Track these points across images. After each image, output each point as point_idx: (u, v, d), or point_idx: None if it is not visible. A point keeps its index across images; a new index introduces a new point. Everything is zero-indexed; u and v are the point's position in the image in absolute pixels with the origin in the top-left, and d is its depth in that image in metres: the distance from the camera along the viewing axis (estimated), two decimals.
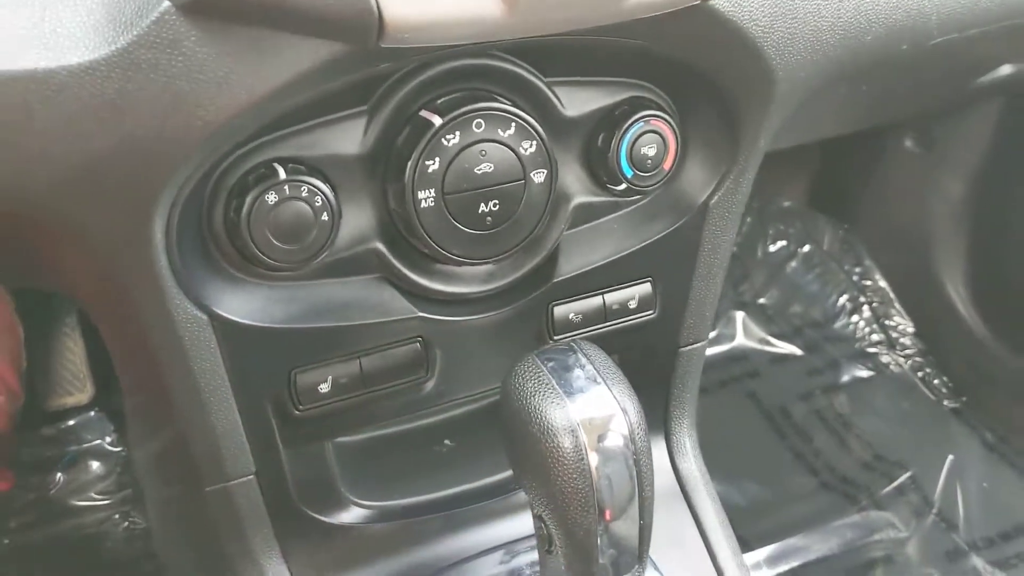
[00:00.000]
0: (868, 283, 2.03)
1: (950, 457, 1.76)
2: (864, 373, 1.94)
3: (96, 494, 1.55)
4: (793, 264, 2.05)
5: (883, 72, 1.01)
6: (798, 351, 1.96)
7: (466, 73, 0.77)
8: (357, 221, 0.79)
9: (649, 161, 0.85)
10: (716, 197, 0.91)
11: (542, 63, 0.80)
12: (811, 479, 1.75)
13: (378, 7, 0.58)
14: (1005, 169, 1.77)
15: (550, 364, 0.72)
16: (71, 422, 1.59)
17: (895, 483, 1.72)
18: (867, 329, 2.00)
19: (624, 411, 0.71)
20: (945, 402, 1.90)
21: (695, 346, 1.00)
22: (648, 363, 0.99)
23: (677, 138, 0.86)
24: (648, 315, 0.94)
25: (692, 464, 1.03)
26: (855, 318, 2.01)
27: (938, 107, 1.63)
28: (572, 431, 0.69)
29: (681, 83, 0.85)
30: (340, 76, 0.68)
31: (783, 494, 1.72)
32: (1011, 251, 1.83)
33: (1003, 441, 1.81)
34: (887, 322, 2.00)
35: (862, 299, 2.03)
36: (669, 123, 0.85)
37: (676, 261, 0.93)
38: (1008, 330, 1.86)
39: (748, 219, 2.06)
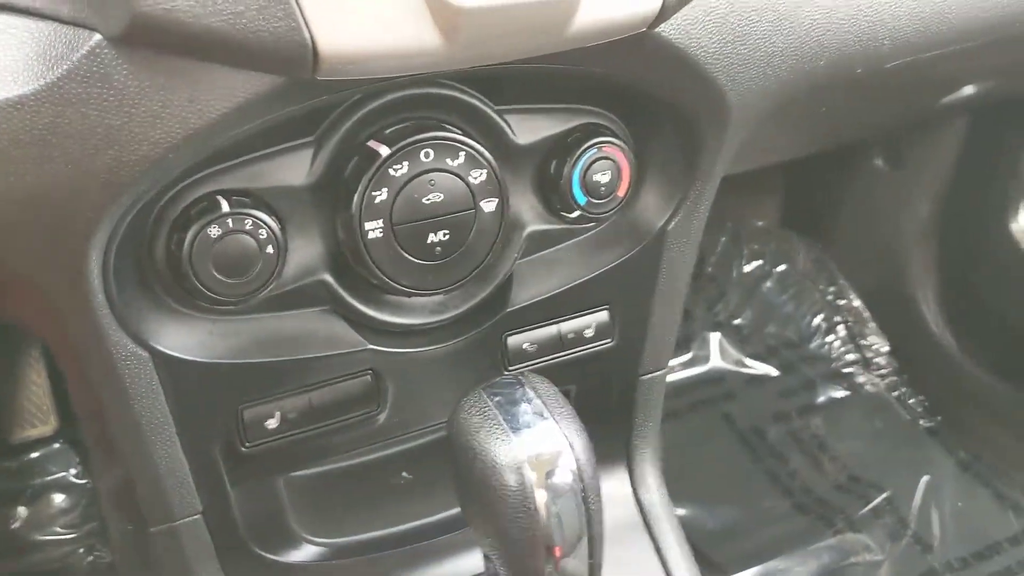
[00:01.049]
0: (843, 302, 2.03)
1: (925, 477, 1.75)
2: (839, 393, 1.93)
3: (60, 528, 1.52)
4: (768, 284, 2.04)
5: (844, 93, 1.01)
6: (773, 372, 1.95)
7: (414, 102, 0.76)
8: (305, 253, 0.78)
9: (602, 188, 0.84)
10: (673, 223, 0.90)
11: (492, 91, 0.79)
12: (786, 501, 1.74)
13: (312, 40, 0.57)
14: (973, 186, 1.77)
15: (496, 399, 0.71)
16: (35, 454, 1.57)
17: (871, 505, 1.71)
18: (842, 349, 1.99)
19: (571, 446, 0.69)
20: (921, 421, 1.89)
21: (656, 374, 0.99)
22: (608, 393, 0.98)
23: (631, 164, 0.85)
24: (606, 344, 0.93)
25: (655, 495, 1.02)
26: (830, 338, 2.00)
27: (904, 125, 1.63)
28: (518, 468, 0.68)
29: (635, 109, 0.85)
30: (281, 108, 0.67)
31: (758, 517, 1.70)
32: (982, 268, 1.83)
33: (977, 460, 1.81)
34: (862, 341, 1.99)
35: (837, 319, 2.02)
36: (622, 149, 0.84)
37: (634, 288, 0.92)
38: (981, 348, 1.86)
39: (722, 239, 2.05)
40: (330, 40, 0.57)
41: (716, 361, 1.96)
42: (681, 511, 1.69)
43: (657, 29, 0.71)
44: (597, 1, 0.63)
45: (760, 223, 2.08)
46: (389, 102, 0.75)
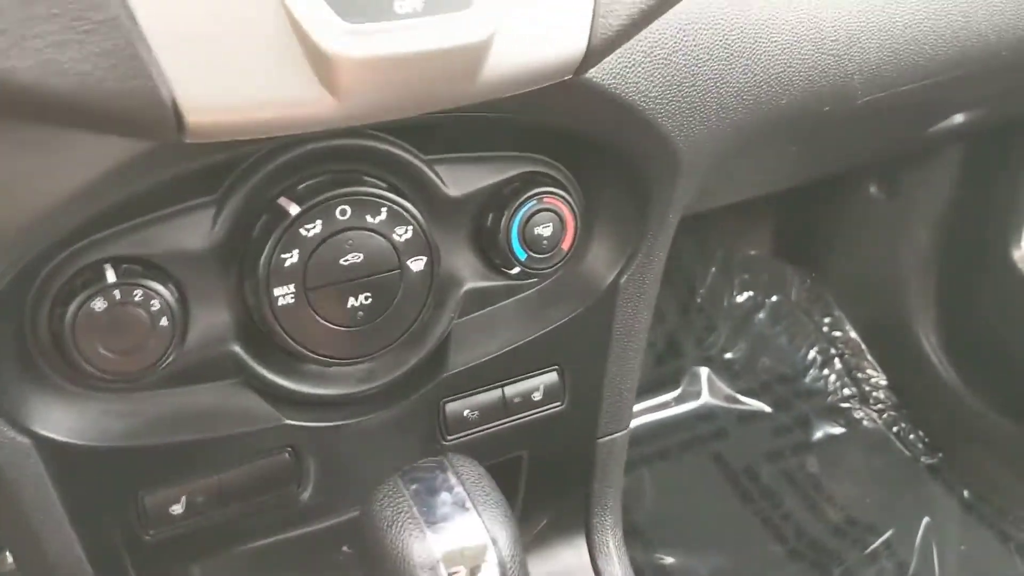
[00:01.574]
0: (838, 334, 1.95)
1: (926, 519, 1.67)
2: (836, 430, 1.85)
3: None
4: (760, 316, 1.96)
5: (816, 130, 0.93)
6: (766, 408, 1.87)
7: (331, 154, 0.69)
8: (211, 321, 0.71)
9: (544, 242, 0.77)
10: (625, 276, 0.83)
11: (420, 139, 0.72)
12: (780, 547, 1.66)
13: (173, 101, 0.49)
14: (971, 213, 1.69)
15: (413, 487, 0.64)
16: None
17: (869, 549, 1.63)
18: (838, 383, 1.91)
19: (495, 541, 0.62)
20: (921, 459, 1.81)
21: (615, 436, 0.92)
22: (563, 458, 0.90)
23: (576, 216, 0.78)
24: (556, 407, 0.85)
25: (616, 566, 0.94)
26: (826, 371, 1.92)
27: (895, 154, 1.56)
28: (432, 568, 0.60)
29: (580, 157, 0.78)
30: (165, 171, 0.60)
31: (750, 564, 1.62)
32: (983, 297, 1.75)
33: (981, 500, 1.72)
34: (859, 375, 1.91)
35: (832, 351, 1.94)
36: (566, 200, 0.77)
37: (586, 347, 0.85)
38: (982, 381, 1.78)
39: (712, 269, 1.98)
40: (195, 100, 0.50)
41: (706, 397, 1.88)
42: (669, 559, 1.61)
43: (587, 75, 0.64)
44: (511, 48, 0.56)
45: (752, 252, 2.00)
46: (301, 155, 0.68)
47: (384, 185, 0.71)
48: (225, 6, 0.49)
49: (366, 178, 0.71)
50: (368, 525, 0.63)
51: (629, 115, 0.69)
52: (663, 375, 1.88)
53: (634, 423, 1.80)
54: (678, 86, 0.71)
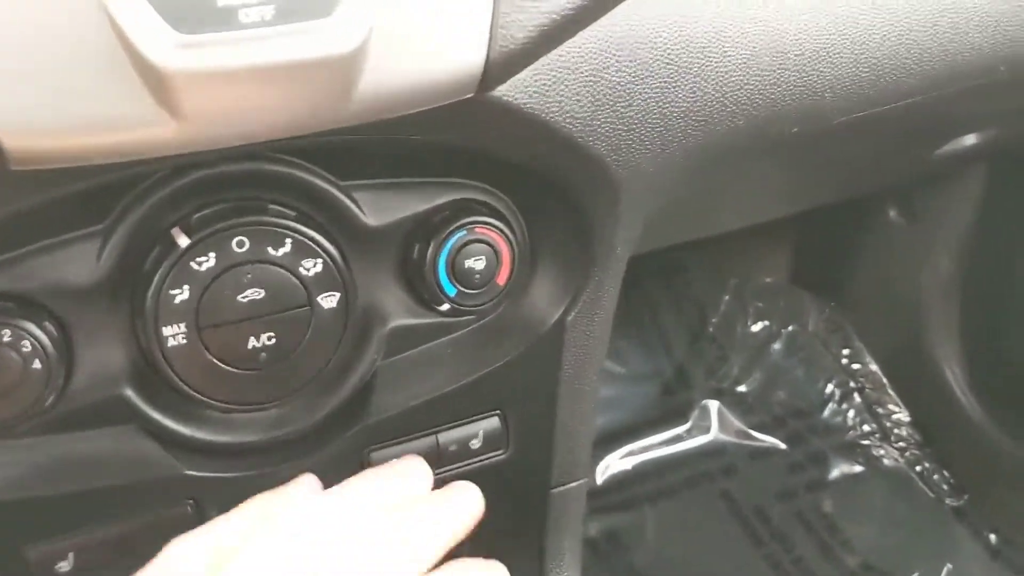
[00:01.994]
0: (858, 367, 1.85)
1: (948, 566, 1.56)
2: (854, 468, 1.75)
3: None
4: (776, 346, 1.87)
5: (791, 154, 0.86)
6: (780, 444, 1.78)
7: (233, 181, 0.63)
8: (100, 362, 0.65)
9: (477, 276, 0.70)
10: (573, 314, 0.76)
11: (336, 163, 0.66)
12: None
13: None
14: (994, 240, 1.59)
15: None
16: None
17: None
18: (858, 419, 1.81)
19: None
20: (946, 500, 1.70)
21: (571, 486, 0.84)
22: (512, 511, 0.83)
23: (513, 248, 0.71)
24: (499, 455, 0.78)
25: None
26: (844, 406, 1.82)
27: (912, 177, 1.47)
28: None
29: (518, 183, 0.71)
30: (11, 202, 0.54)
31: None
32: (1009, 329, 1.64)
33: (1009, 545, 1.61)
34: (880, 410, 1.81)
35: (852, 385, 1.84)
36: (500, 230, 0.70)
37: (531, 390, 0.78)
38: (1011, 418, 1.67)
39: (725, 297, 1.89)
40: (13, 123, 0.44)
41: (716, 432, 1.78)
42: None
43: (496, 93, 0.57)
44: (393, 63, 0.49)
45: (768, 279, 1.91)
46: (195, 181, 0.62)
47: (292, 214, 0.65)
48: (42, 16, 0.43)
49: (271, 206, 0.64)
50: None
51: (554, 138, 0.62)
52: (671, 408, 1.80)
53: (638, 459, 1.74)
54: (611, 106, 0.63)
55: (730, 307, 1.89)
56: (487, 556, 0.83)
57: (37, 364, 0.60)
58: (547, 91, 0.60)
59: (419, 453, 0.75)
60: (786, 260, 1.92)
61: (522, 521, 0.84)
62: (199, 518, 0.69)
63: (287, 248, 0.64)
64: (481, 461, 0.77)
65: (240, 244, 0.62)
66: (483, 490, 0.79)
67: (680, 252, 1.92)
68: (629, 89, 0.64)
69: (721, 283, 1.90)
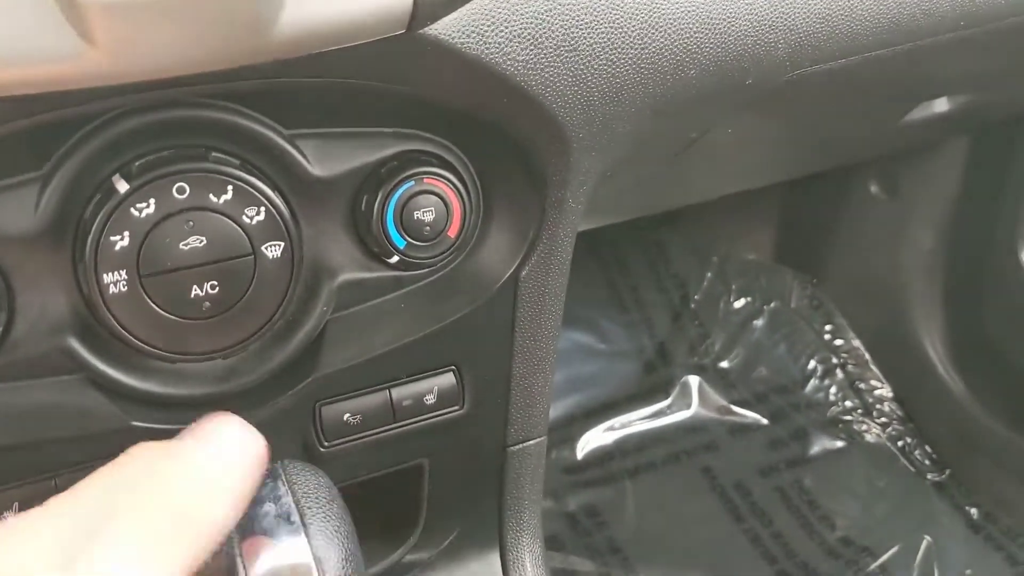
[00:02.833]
0: (840, 343, 1.85)
1: (928, 539, 1.56)
2: (836, 444, 1.75)
3: None
4: (758, 323, 1.87)
5: (752, 110, 0.85)
6: (762, 420, 1.78)
7: (174, 128, 0.63)
8: (43, 311, 0.64)
9: (426, 228, 0.70)
10: (527, 269, 0.75)
11: (280, 111, 0.65)
12: (768, 567, 1.56)
13: None
14: (977, 213, 1.59)
15: None
16: None
17: (863, 572, 1.53)
18: (840, 394, 1.81)
19: (319, 561, 0.54)
20: (928, 475, 1.70)
21: (528, 444, 0.84)
22: (469, 468, 0.83)
23: (464, 199, 0.70)
24: (454, 411, 0.78)
25: None
26: (827, 382, 1.82)
27: (891, 149, 1.46)
28: None
29: (468, 134, 0.70)
30: None
31: None
32: (992, 304, 1.64)
33: (989, 519, 1.61)
34: (862, 386, 1.81)
35: (834, 361, 1.84)
36: (449, 182, 0.69)
37: (486, 346, 0.77)
38: (993, 393, 1.67)
39: (707, 274, 1.89)
40: None
41: (697, 408, 1.78)
42: None
43: (431, 31, 0.56)
44: None
45: (750, 256, 1.91)
46: (138, 127, 0.62)
47: (236, 163, 0.64)
48: None
49: (213, 154, 0.64)
50: None
51: (495, 82, 0.62)
52: (652, 384, 1.79)
53: (619, 434, 1.74)
54: (555, 50, 0.63)
55: (712, 284, 1.89)
56: (446, 511, 0.84)
57: None
58: (485, 31, 0.59)
59: (372, 408, 0.75)
60: (768, 237, 1.92)
61: (480, 477, 0.84)
62: None
63: (228, 196, 0.63)
64: (436, 417, 0.77)
65: (181, 191, 0.62)
66: (440, 446, 0.79)
67: (662, 230, 1.91)
68: (574, 33, 0.63)
69: (703, 260, 1.90)
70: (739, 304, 1.87)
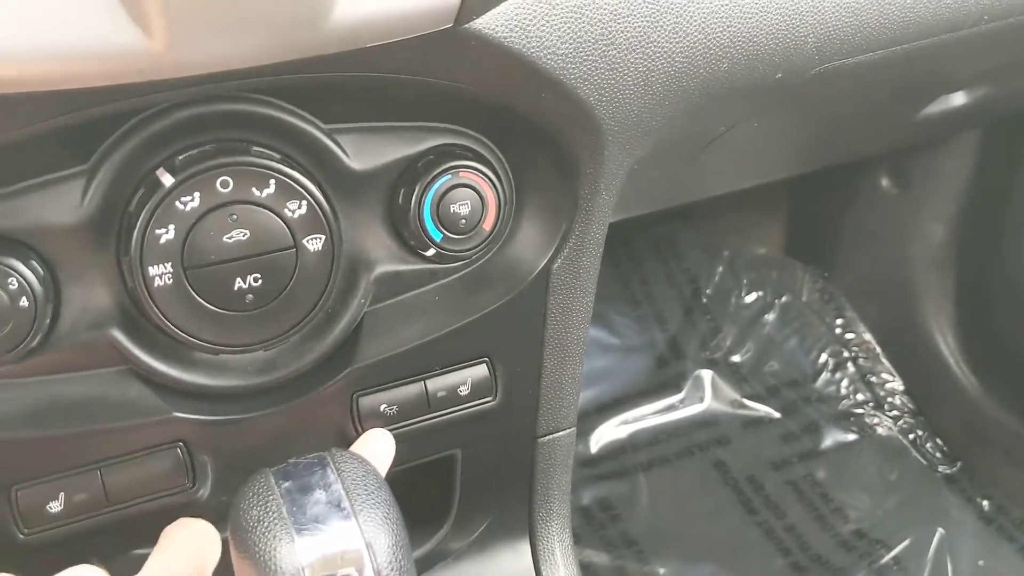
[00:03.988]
0: (852, 336, 1.86)
1: (940, 531, 1.57)
2: (847, 437, 1.76)
3: None
4: (769, 317, 1.88)
5: (777, 104, 0.86)
6: (774, 414, 1.78)
7: (216, 122, 0.64)
8: (88, 303, 0.65)
9: (462, 221, 0.70)
10: (559, 261, 0.76)
11: (320, 106, 0.66)
12: (781, 560, 1.57)
13: None
14: (988, 207, 1.59)
15: (285, 485, 0.57)
16: None
17: (877, 564, 1.54)
18: (851, 388, 1.81)
19: (369, 546, 0.55)
20: (939, 468, 1.71)
21: (557, 435, 0.85)
22: (501, 458, 0.84)
23: (499, 193, 0.71)
24: (487, 402, 0.78)
25: (562, 574, 0.87)
26: (838, 375, 1.83)
27: (903, 143, 1.47)
28: (297, 575, 0.54)
29: (503, 128, 0.71)
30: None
31: None
32: (1002, 297, 1.65)
33: (1000, 512, 1.62)
34: (873, 379, 1.82)
35: (845, 354, 1.85)
36: (485, 175, 0.70)
37: (519, 338, 0.78)
38: (1004, 386, 1.68)
39: (719, 268, 1.90)
40: None
41: (710, 402, 1.79)
42: (661, 569, 1.53)
43: (475, 25, 0.57)
44: None
45: (761, 250, 1.92)
46: (181, 121, 0.62)
47: (276, 156, 0.65)
48: None
49: (255, 148, 0.65)
50: (233, 525, 0.57)
51: (535, 75, 0.62)
52: (665, 378, 1.80)
53: (632, 428, 1.75)
54: (592, 44, 0.64)
55: (723, 279, 1.89)
56: (478, 501, 0.85)
57: (24, 302, 0.60)
58: (527, 25, 0.60)
59: (408, 399, 0.76)
60: (779, 231, 1.93)
61: (511, 468, 0.85)
62: (189, 460, 0.70)
63: (271, 189, 0.64)
64: (470, 408, 0.78)
65: (224, 184, 0.63)
66: (473, 436, 0.80)
67: (673, 225, 1.92)
68: (610, 27, 0.64)
69: (714, 255, 1.90)
70: (750, 298, 1.88)
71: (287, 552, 0.54)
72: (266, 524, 0.55)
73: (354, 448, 0.72)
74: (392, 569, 0.56)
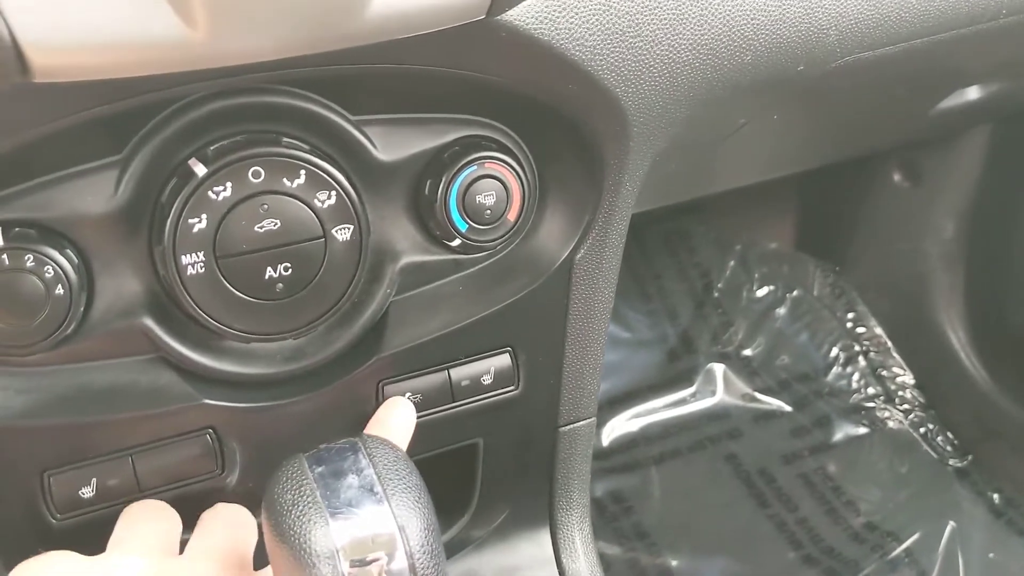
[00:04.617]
0: (863, 331, 1.86)
1: (951, 525, 1.58)
2: (859, 431, 1.76)
3: None
4: (780, 311, 1.88)
5: (796, 96, 0.87)
6: (785, 407, 1.79)
7: (247, 113, 0.65)
8: (120, 291, 0.66)
9: (487, 212, 0.71)
10: (582, 252, 0.77)
11: (348, 97, 0.67)
12: (793, 552, 1.57)
13: (10, 33, 0.45)
14: (1000, 201, 1.60)
15: (318, 470, 0.58)
16: None
17: (888, 557, 1.54)
18: (862, 381, 1.82)
19: (402, 529, 0.56)
20: (950, 461, 1.72)
21: (578, 425, 0.85)
22: (522, 447, 0.85)
23: (523, 184, 0.72)
24: (510, 391, 0.79)
25: (582, 564, 0.88)
26: (849, 369, 1.84)
27: (916, 137, 1.47)
28: (331, 558, 0.55)
29: (527, 119, 0.72)
30: (38, 122, 0.55)
31: (760, 569, 1.54)
32: (1011, 293, 1.65)
33: (1011, 505, 1.62)
34: (884, 373, 1.82)
35: (857, 348, 1.85)
36: (510, 166, 0.71)
37: (541, 328, 0.79)
38: (1012, 380, 1.68)
39: (730, 262, 1.90)
40: (35, 33, 0.45)
41: (721, 395, 1.80)
42: (674, 561, 1.54)
43: (505, 17, 0.58)
44: None
45: (772, 244, 1.92)
46: (213, 112, 0.63)
47: (306, 147, 0.66)
48: None
49: (285, 139, 0.66)
50: (267, 510, 0.58)
51: (564, 67, 0.63)
52: (676, 372, 1.81)
53: (644, 421, 1.75)
54: (620, 35, 0.64)
55: (735, 273, 1.90)
56: (499, 489, 0.85)
57: (60, 290, 0.61)
58: (556, 17, 0.61)
59: (432, 387, 0.77)
60: (790, 225, 1.93)
61: (532, 457, 0.86)
62: (218, 446, 0.71)
63: (301, 180, 0.65)
64: (492, 397, 0.79)
65: (256, 175, 0.64)
66: (495, 425, 0.81)
67: (685, 219, 1.93)
68: (637, 19, 0.65)
69: (726, 249, 1.91)
70: (762, 292, 1.89)
71: (321, 535, 0.55)
72: (300, 508, 0.56)
73: (377, 415, 0.73)
74: (424, 552, 0.57)
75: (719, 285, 1.89)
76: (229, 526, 0.64)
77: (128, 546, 0.62)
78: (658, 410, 1.76)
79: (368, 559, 0.56)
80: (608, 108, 0.67)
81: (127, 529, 0.65)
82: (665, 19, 0.66)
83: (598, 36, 0.63)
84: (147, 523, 0.65)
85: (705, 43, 0.69)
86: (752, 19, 0.70)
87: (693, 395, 1.79)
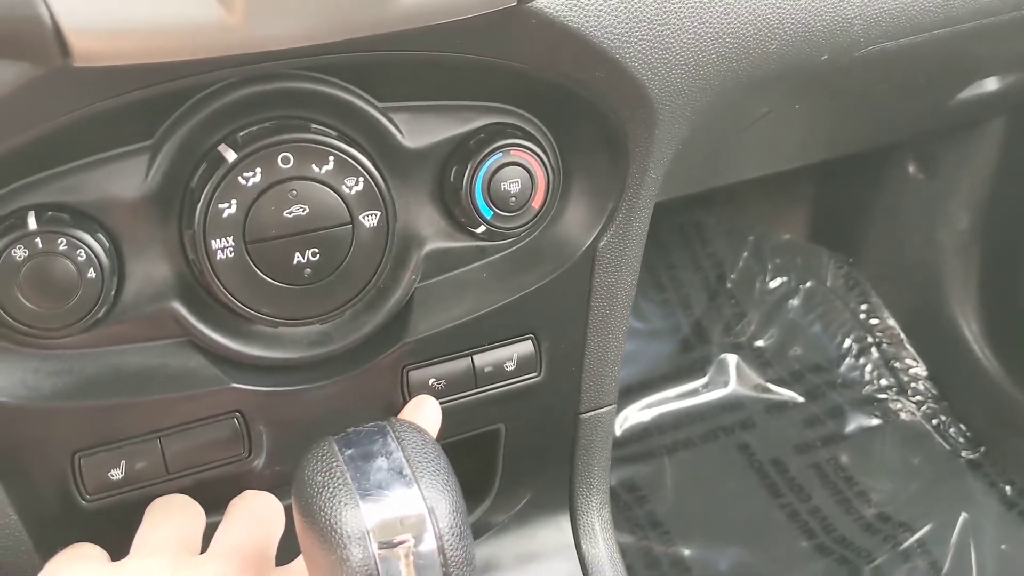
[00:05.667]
0: (876, 322, 1.86)
1: (964, 516, 1.58)
2: (871, 422, 1.77)
3: None
4: (793, 303, 1.88)
5: (819, 86, 0.87)
6: (798, 398, 1.79)
7: (277, 100, 0.65)
8: (150, 276, 0.67)
9: (513, 199, 0.72)
10: (605, 239, 0.77)
11: (375, 84, 0.67)
12: (806, 542, 1.58)
13: (52, 16, 0.45)
14: (1015, 193, 1.60)
15: (348, 452, 0.59)
16: None
17: (901, 547, 1.55)
18: (875, 373, 1.82)
19: (432, 511, 0.57)
20: (962, 453, 1.72)
21: (599, 412, 0.86)
22: (543, 433, 0.85)
23: (548, 171, 0.72)
24: (532, 378, 0.80)
25: (602, 550, 0.89)
26: (862, 360, 1.84)
27: (931, 128, 1.47)
28: (361, 539, 0.55)
29: (552, 106, 0.72)
30: (72, 106, 0.56)
31: (773, 560, 1.55)
32: (1023, 284, 1.65)
33: (1023, 496, 1.63)
34: (897, 365, 1.83)
35: (869, 340, 1.85)
36: (535, 154, 0.71)
37: (564, 315, 0.80)
38: None
39: (743, 254, 1.91)
40: (75, 17, 0.46)
41: (734, 386, 1.80)
42: (687, 551, 1.55)
43: (536, 4, 0.59)
44: None
45: (786, 236, 1.92)
46: (240, 99, 0.64)
47: (334, 134, 0.66)
48: None
49: (314, 126, 0.66)
50: (297, 491, 0.58)
51: (592, 54, 0.64)
52: (689, 362, 1.81)
53: (657, 411, 1.76)
54: (647, 22, 0.65)
55: (748, 264, 1.90)
56: (520, 475, 0.86)
57: (92, 274, 0.62)
58: (586, 4, 0.61)
59: (455, 373, 0.77)
60: (804, 217, 1.93)
61: (553, 443, 0.86)
62: (245, 431, 0.71)
63: (330, 166, 0.65)
64: (515, 383, 0.79)
65: (285, 160, 0.64)
66: (517, 411, 0.82)
67: (699, 210, 1.93)
68: (665, 7, 0.66)
69: (739, 240, 1.91)
70: (775, 283, 1.89)
71: (352, 516, 0.56)
72: (331, 490, 0.57)
73: (403, 413, 0.74)
74: (452, 534, 0.58)
75: (732, 276, 1.89)
76: (253, 520, 0.65)
77: (148, 548, 0.63)
78: (671, 400, 1.77)
79: (397, 540, 0.56)
80: (635, 95, 0.68)
81: (150, 528, 0.65)
82: (692, 6, 0.67)
83: (626, 23, 0.64)
84: (168, 523, 0.66)
85: (731, 31, 0.69)
86: (778, 7, 0.71)
87: (706, 385, 1.80)
